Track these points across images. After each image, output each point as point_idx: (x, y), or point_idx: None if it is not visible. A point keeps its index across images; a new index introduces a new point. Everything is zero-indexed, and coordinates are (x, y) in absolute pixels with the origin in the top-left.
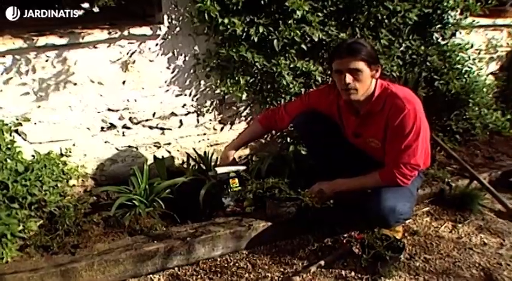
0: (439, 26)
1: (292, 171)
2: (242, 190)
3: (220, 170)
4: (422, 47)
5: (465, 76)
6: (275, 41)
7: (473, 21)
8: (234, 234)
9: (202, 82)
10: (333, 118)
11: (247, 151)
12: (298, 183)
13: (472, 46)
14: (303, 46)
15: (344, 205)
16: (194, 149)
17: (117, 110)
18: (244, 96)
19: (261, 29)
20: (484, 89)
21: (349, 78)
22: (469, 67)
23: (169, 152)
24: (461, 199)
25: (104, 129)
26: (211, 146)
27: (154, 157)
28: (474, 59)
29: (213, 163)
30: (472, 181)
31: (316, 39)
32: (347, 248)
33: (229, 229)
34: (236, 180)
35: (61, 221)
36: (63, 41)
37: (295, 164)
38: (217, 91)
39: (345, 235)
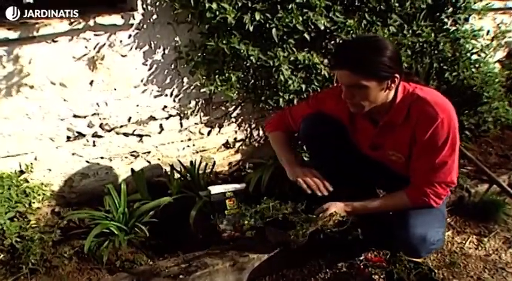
0: (450, 10)
1: None
2: (241, 212)
3: (214, 189)
4: (433, 35)
5: (476, 66)
6: (274, 30)
7: (488, 3)
8: (235, 266)
9: (185, 80)
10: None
11: (238, 156)
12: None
13: (488, 32)
14: (306, 35)
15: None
16: (179, 161)
17: (85, 116)
18: (235, 95)
19: (257, 16)
20: (496, 80)
21: (347, 94)
22: (478, 55)
23: (149, 162)
24: (484, 208)
25: (71, 139)
26: (198, 152)
27: (132, 170)
28: (487, 46)
29: (201, 171)
30: (492, 185)
31: (322, 27)
32: (366, 275)
33: (228, 261)
34: (233, 200)
35: (25, 257)
36: (14, 34)
37: None
38: (203, 90)
39: (361, 258)
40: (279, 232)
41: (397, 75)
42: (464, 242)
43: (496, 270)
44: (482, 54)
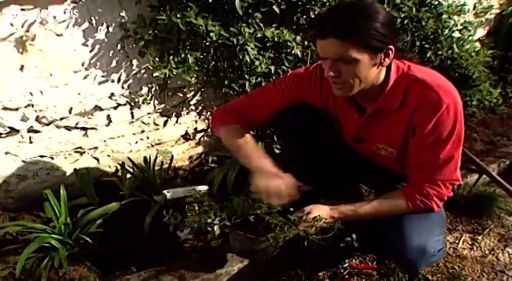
0: None
1: None
2: (204, 218)
3: (170, 193)
4: (415, 9)
5: (459, 45)
6: (237, 1)
7: None
8: None
9: (134, 62)
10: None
11: (199, 149)
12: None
13: (474, 7)
14: (275, 8)
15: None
16: (129, 158)
17: (17, 108)
18: (193, 80)
19: None
20: (481, 60)
21: (333, 70)
22: (461, 33)
23: (97, 159)
24: (475, 202)
25: (2, 135)
26: (153, 146)
27: (75, 170)
28: (470, 23)
29: (157, 167)
30: (481, 175)
31: None
32: None
33: (192, 279)
34: (195, 206)
35: None
36: None
37: None
38: (156, 74)
39: (345, 265)
40: (247, 238)
41: (391, 47)
42: (457, 242)
43: (495, 273)
44: (466, 33)
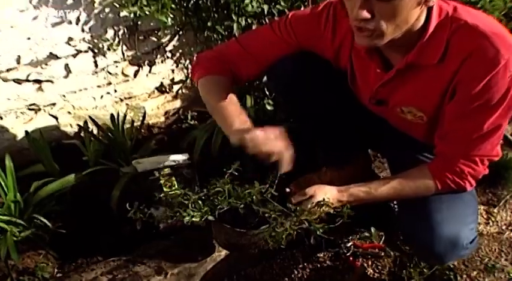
0: None
1: None
2: (184, 193)
3: (142, 165)
4: None
5: None
6: None
7: None
8: (181, 274)
9: None
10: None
11: (177, 103)
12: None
13: None
14: None
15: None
16: (90, 117)
17: None
18: (169, 21)
19: None
20: None
21: (366, 10)
22: None
23: (55, 118)
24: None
25: None
26: (123, 101)
27: (26, 132)
28: None
29: (127, 126)
30: None
31: None
32: (358, 270)
33: (170, 269)
34: (172, 179)
35: None
36: None
37: None
38: (124, 13)
39: (348, 245)
40: (235, 232)
41: None
42: None
43: None
44: None
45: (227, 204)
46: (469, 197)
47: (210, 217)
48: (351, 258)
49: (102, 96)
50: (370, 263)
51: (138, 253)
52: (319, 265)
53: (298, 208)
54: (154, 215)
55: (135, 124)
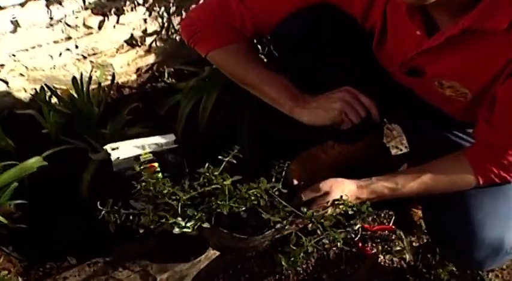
0: None
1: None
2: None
3: (117, 151)
4: None
5: None
6: None
7: None
8: (171, 278)
9: None
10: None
11: (151, 58)
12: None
13: None
14: None
15: None
16: (47, 86)
17: None
18: None
19: None
20: None
21: None
22: None
23: (5, 82)
24: None
25: None
26: (86, 58)
27: None
28: None
29: (94, 87)
30: None
31: None
32: (371, 257)
33: (158, 274)
34: (155, 165)
35: None
36: None
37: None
38: None
39: (356, 227)
40: (232, 237)
41: None
42: None
43: None
44: None
45: (228, 209)
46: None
47: (206, 224)
48: (360, 244)
49: (60, 54)
50: (380, 248)
51: (118, 254)
52: (325, 253)
53: (307, 209)
54: (134, 210)
55: (102, 85)
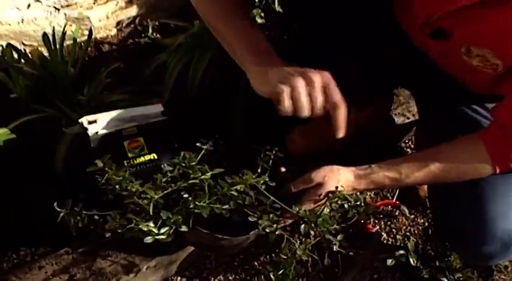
0: None
1: None
2: (156, 159)
3: (96, 125)
4: None
5: None
6: None
7: None
8: (159, 265)
9: None
10: None
11: (133, 10)
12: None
13: None
14: None
15: None
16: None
17: None
18: None
19: None
20: None
21: None
22: None
23: None
24: None
25: None
26: (59, 11)
27: None
28: None
29: (68, 43)
30: None
31: None
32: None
33: (145, 263)
34: (140, 140)
35: None
36: None
37: None
38: None
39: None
40: (214, 238)
41: None
42: None
43: None
44: None
45: (208, 211)
46: None
47: (183, 228)
48: (362, 221)
49: (29, 6)
50: (383, 225)
51: (99, 241)
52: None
53: (298, 207)
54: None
55: (78, 41)
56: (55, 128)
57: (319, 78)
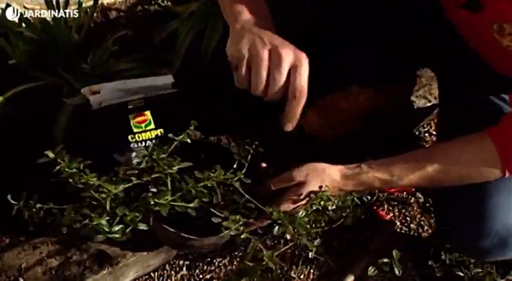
0: None
1: None
2: (163, 135)
3: (97, 96)
4: None
5: None
6: None
7: None
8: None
9: None
10: None
11: None
12: None
13: None
14: None
15: None
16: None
17: None
18: None
19: None
20: None
21: None
22: None
23: None
24: None
25: None
26: None
27: None
28: None
29: (72, 9)
30: None
31: None
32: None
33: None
34: (147, 114)
35: None
36: None
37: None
38: None
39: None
40: (181, 237)
41: None
42: None
43: None
44: None
45: (167, 210)
46: None
47: (142, 226)
48: (375, 207)
49: None
50: (396, 212)
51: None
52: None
53: (272, 208)
54: (118, 160)
55: (83, 6)
56: (55, 98)
57: (289, 56)
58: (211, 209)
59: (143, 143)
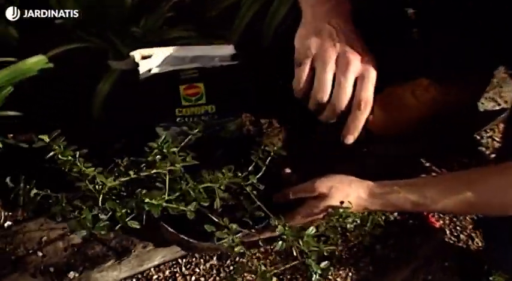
0: None
1: None
2: (213, 112)
3: (150, 61)
4: None
5: None
6: None
7: None
8: None
9: None
10: None
11: None
12: None
13: None
14: None
15: None
16: None
17: None
18: None
19: None
20: None
21: None
22: None
23: None
24: None
25: None
26: None
27: None
28: None
29: None
30: None
31: None
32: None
33: None
34: (200, 86)
35: None
36: None
37: None
38: None
39: None
40: (180, 239)
41: None
42: None
43: None
44: None
45: (158, 212)
46: None
47: (134, 225)
48: (425, 213)
49: None
50: (447, 220)
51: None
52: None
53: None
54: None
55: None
56: (100, 62)
57: (358, 64)
58: (209, 214)
59: (190, 119)
